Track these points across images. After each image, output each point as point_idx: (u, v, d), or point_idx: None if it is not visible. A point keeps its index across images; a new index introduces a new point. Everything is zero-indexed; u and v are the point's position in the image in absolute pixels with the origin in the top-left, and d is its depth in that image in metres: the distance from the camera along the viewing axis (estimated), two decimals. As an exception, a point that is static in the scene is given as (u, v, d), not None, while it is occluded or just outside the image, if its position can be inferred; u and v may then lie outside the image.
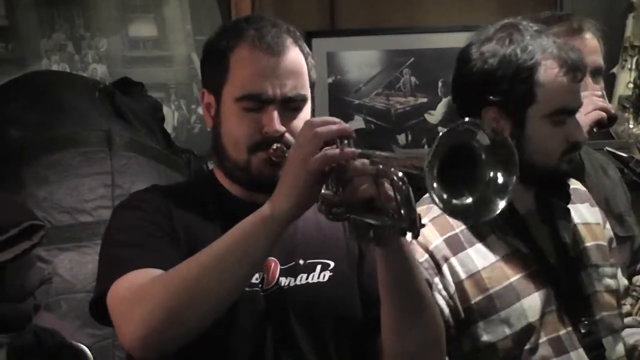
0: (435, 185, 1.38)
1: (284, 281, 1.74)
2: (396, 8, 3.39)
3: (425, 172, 1.36)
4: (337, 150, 1.52)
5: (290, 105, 1.75)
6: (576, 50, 1.98)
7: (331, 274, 1.77)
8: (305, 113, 1.77)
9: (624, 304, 2.23)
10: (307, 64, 1.80)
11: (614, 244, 2.20)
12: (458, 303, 1.92)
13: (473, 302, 1.92)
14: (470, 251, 1.95)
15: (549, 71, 1.93)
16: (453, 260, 1.93)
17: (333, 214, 1.55)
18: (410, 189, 1.42)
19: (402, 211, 1.43)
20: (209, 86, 1.82)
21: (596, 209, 2.18)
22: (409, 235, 1.47)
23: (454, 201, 1.42)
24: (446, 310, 1.91)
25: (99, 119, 2.71)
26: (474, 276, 1.93)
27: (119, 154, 2.67)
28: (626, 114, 3.35)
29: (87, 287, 2.44)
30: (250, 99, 1.74)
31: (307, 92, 1.78)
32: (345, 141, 1.54)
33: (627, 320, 2.23)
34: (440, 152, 1.38)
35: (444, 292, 1.91)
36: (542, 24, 2.45)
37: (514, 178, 1.44)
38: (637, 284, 2.65)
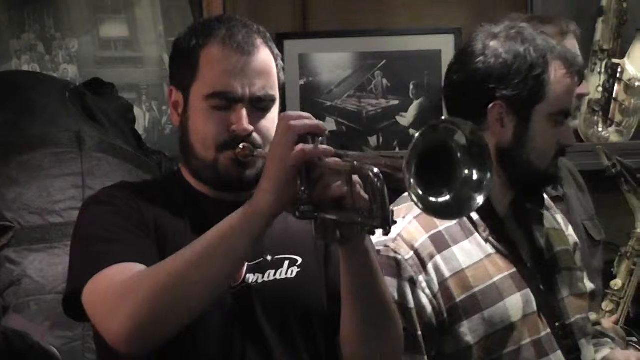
0: (413, 182, 1.38)
1: (251, 278, 1.75)
2: (368, 10, 3.40)
3: (404, 170, 1.37)
4: (312, 146, 1.52)
5: (259, 105, 1.75)
6: (575, 54, 2.02)
7: (299, 269, 1.78)
8: (274, 114, 1.77)
9: (592, 313, 2.24)
10: (277, 65, 1.80)
11: (578, 249, 2.21)
12: (442, 303, 1.90)
13: (458, 300, 1.91)
14: (454, 249, 1.94)
15: (558, 71, 1.96)
16: (438, 258, 1.92)
17: (301, 212, 1.53)
18: (385, 185, 1.42)
19: (375, 208, 1.43)
20: (177, 84, 1.82)
21: (558, 216, 2.20)
22: (379, 232, 1.47)
23: (432, 199, 1.42)
24: (429, 309, 1.89)
25: (69, 119, 2.69)
26: (459, 274, 1.92)
27: (90, 155, 2.65)
28: (595, 118, 3.37)
29: (57, 288, 2.42)
30: (219, 97, 1.74)
31: (276, 92, 1.79)
32: (319, 138, 1.54)
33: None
34: (418, 150, 1.39)
35: (427, 291, 1.89)
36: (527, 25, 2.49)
37: (489, 174, 1.45)
38: (615, 288, 2.68)
